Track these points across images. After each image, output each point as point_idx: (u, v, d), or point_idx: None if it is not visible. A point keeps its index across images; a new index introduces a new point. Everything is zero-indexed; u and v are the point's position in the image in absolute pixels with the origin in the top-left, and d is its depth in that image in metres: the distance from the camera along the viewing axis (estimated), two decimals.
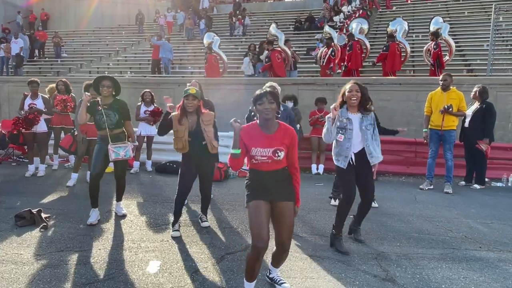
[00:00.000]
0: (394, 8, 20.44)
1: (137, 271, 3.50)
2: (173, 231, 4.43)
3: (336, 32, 14.05)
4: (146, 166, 8.18)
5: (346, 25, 15.20)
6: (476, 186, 7.11)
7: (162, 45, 14.90)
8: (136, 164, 8.00)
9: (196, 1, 24.81)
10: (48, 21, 25.12)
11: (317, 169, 8.05)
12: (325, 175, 7.96)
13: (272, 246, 3.06)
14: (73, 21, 25.43)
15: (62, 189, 6.42)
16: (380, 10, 20.29)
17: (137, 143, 7.55)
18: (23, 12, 24.19)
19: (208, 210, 4.89)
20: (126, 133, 4.80)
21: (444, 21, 12.53)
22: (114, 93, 4.70)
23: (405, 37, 12.95)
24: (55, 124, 7.57)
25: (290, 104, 7.12)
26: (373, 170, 4.21)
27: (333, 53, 12.00)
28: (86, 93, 4.69)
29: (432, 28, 11.98)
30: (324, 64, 12.06)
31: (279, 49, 12.13)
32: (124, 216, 5.04)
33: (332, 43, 12.33)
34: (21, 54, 16.71)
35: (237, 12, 20.97)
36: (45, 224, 4.58)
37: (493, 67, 11.94)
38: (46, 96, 7.71)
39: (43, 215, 4.77)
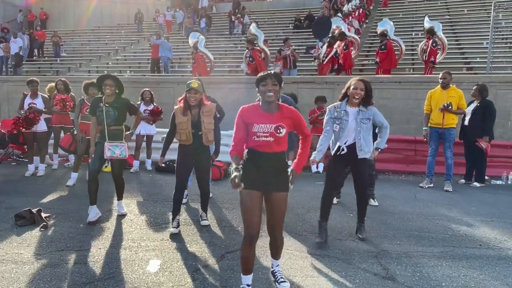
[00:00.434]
0: (391, 6, 20.40)
1: (138, 270, 3.50)
2: (171, 227, 4.46)
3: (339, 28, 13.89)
4: (146, 165, 8.19)
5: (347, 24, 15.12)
6: (476, 184, 7.11)
7: (161, 44, 14.89)
8: (136, 163, 8.01)
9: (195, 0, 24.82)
10: (47, 20, 25.07)
11: (317, 167, 8.03)
12: (324, 173, 7.91)
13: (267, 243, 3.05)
14: (72, 20, 25.41)
15: (62, 189, 6.42)
16: (379, 8, 20.26)
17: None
18: (22, 12, 24.16)
19: (208, 208, 4.88)
20: (123, 131, 4.84)
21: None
22: (117, 91, 4.77)
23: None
24: (55, 123, 7.56)
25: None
26: (372, 157, 4.18)
27: (336, 54, 11.90)
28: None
29: (426, 26, 11.94)
30: (325, 63, 11.97)
31: (258, 48, 12.31)
32: (124, 215, 5.04)
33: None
34: (20, 53, 16.70)
35: (236, 10, 20.95)
36: (45, 223, 4.59)
37: (492, 65, 11.94)
38: (46, 95, 7.72)
39: (43, 215, 4.77)
